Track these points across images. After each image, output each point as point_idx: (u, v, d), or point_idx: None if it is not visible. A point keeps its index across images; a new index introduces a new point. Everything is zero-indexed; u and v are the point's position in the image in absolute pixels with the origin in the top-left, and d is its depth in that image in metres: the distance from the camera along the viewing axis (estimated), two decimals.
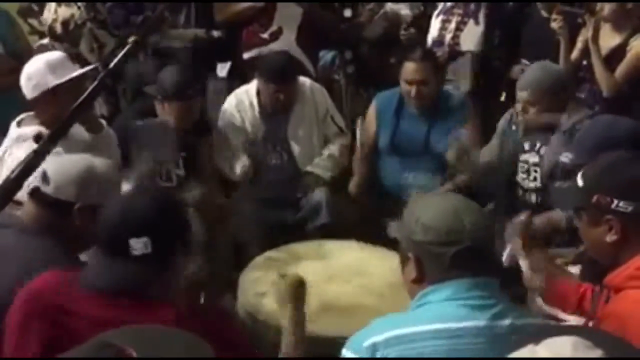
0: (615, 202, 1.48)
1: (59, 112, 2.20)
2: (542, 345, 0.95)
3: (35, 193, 1.75)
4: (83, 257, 1.83)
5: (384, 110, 3.08)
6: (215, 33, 3.52)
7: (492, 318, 1.34)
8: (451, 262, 1.36)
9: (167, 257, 1.47)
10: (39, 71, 2.30)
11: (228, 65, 3.62)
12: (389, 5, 3.59)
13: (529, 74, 2.72)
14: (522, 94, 2.66)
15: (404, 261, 1.44)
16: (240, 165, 3.04)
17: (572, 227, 2.46)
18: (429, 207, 1.42)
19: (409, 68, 2.94)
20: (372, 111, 3.14)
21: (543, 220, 2.57)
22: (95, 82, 1.79)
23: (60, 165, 1.75)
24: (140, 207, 1.48)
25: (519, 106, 2.68)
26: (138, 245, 1.43)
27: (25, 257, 1.68)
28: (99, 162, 1.84)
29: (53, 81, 2.27)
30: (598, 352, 0.94)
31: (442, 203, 1.43)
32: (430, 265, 1.39)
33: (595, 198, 1.51)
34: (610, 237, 1.51)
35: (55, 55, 2.41)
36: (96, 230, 1.50)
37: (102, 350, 0.95)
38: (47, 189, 1.73)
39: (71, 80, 2.28)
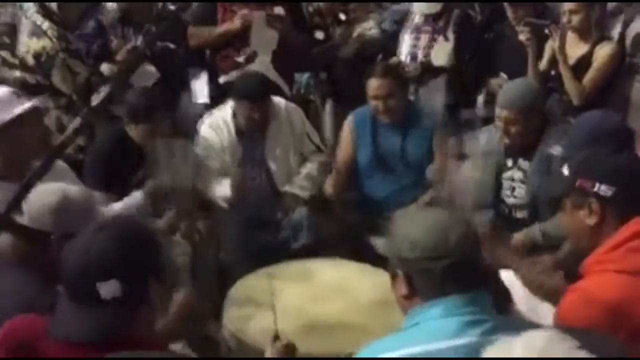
0: (597, 185, 1.56)
1: (5, 152, 2.15)
2: (517, 338, 0.97)
3: (10, 224, 1.69)
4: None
5: (360, 127, 3.12)
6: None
7: (485, 334, 1.34)
8: (441, 277, 1.37)
9: (141, 297, 1.35)
10: None
11: (205, 90, 3.63)
12: (362, 27, 3.64)
13: (508, 92, 2.73)
14: (501, 112, 2.68)
15: (393, 277, 1.44)
16: (227, 184, 3.00)
17: (549, 243, 2.53)
18: (415, 223, 1.43)
19: (372, 84, 2.99)
20: (347, 129, 3.17)
21: (521, 237, 2.61)
22: (78, 119, 1.76)
23: (34, 194, 1.69)
24: (103, 246, 1.34)
25: (499, 124, 2.71)
26: (106, 290, 1.31)
27: (0, 290, 1.64)
28: (73, 190, 1.83)
29: None
30: (573, 344, 0.96)
31: (428, 219, 1.44)
32: (420, 281, 1.39)
33: (578, 182, 1.59)
34: (590, 220, 1.57)
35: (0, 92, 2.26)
36: (61, 275, 1.38)
37: None
38: (22, 220, 1.71)
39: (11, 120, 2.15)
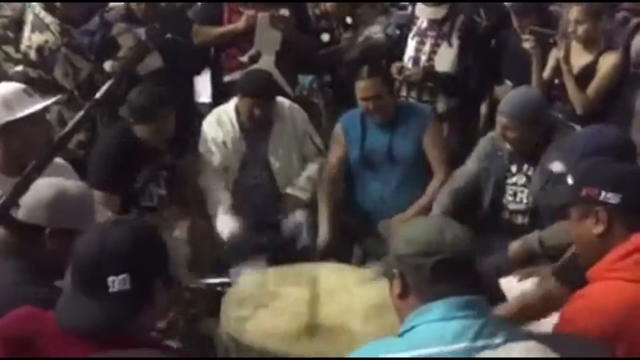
0: (603, 193, 1.55)
1: (11, 149, 2.16)
2: (502, 348, 0.97)
3: (4, 217, 1.69)
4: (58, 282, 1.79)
5: (351, 129, 3.12)
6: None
7: (483, 337, 1.33)
8: (432, 273, 1.37)
9: (147, 293, 1.39)
10: None
11: (208, 89, 3.63)
12: (368, 31, 3.64)
13: (509, 100, 2.72)
14: (501, 119, 2.68)
15: (391, 279, 1.45)
16: (229, 230, 2.96)
17: (546, 253, 2.53)
18: (413, 225, 1.47)
19: (360, 86, 3.00)
20: (338, 131, 3.17)
21: (518, 245, 2.60)
22: (82, 113, 1.75)
23: (30, 188, 1.69)
24: (120, 242, 1.38)
25: (499, 130, 2.71)
26: (117, 284, 1.35)
27: None
28: (70, 185, 1.82)
29: (5, 118, 2.16)
30: (551, 355, 0.95)
31: (426, 221, 1.49)
32: (412, 278, 1.40)
33: (584, 191, 1.58)
34: (596, 229, 1.56)
35: (11, 89, 2.27)
36: (71, 266, 1.41)
37: None
38: (17, 213, 1.70)
39: (26, 117, 2.16)
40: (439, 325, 1.34)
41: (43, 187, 1.74)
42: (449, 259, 1.37)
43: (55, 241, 1.71)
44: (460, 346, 1.32)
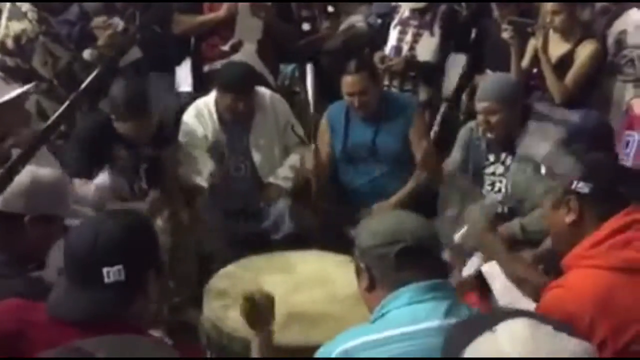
0: (575, 182, 1.58)
1: None
2: (500, 332, 0.98)
3: None
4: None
5: (335, 120, 3.13)
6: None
7: (454, 315, 1.39)
8: (396, 262, 1.43)
9: (141, 283, 1.41)
10: None
11: (189, 78, 3.61)
12: (349, 20, 3.64)
13: (488, 85, 2.78)
14: (481, 104, 2.71)
15: (358, 273, 1.50)
16: (208, 171, 3.01)
17: (528, 238, 2.56)
18: (377, 218, 1.58)
19: (346, 81, 2.99)
20: (324, 122, 3.17)
21: (500, 232, 2.64)
22: (67, 103, 1.74)
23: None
24: (114, 233, 1.39)
25: (480, 117, 2.73)
26: (111, 274, 1.37)
27: None
28: (44, 172, 1.82)
29: None
30: (548, 328, 0.98)
31: (388, 214, 1.59)
32: (378, 269, 1.45)
33: (556, 180, 1.61)
34: (569, 218, 1.59)
35: None
36: (65, 258, 1.42)
37: (70, 352, 0.94)
38: None
39: (3, 103, 2.17)
40: (410, 309, 1.40)
41: (18, 176, 1.72)
42: (410, 246, 1.43)
43: (35, 228, 1.72)
44: (433, 324, 1.38)
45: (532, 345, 0.96)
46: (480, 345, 0.99)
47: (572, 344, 0.97)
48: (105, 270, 1.36)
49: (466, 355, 0.99)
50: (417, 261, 1.43)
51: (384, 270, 1.44)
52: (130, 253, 1.39)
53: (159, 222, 2.79)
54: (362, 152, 3.08)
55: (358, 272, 1.50)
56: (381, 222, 1.50)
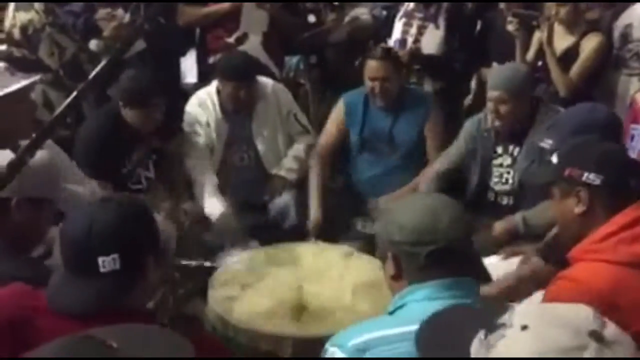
0: (586, 174, 1.58)
1: None
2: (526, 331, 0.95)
3: None
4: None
5: (353, 108, 3.12)
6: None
7: None
8: (426, 261, 1.39)
9: (137, 272, 1.38)
10: None
11: (194, 69, 3.60)
12: (354, 12, 3.63)
13: (499, 74, 2.79)
14: (493, 93, 2.71)
15: (383, 258, 1.47)
16: (218, 212, 2.96)
17: (530, 232, 2.56)
18: (407, 207, 1.46)
19: (371, 66, 3.01)
20: (340, 110, 3.16)
21: (502, 225, 2.64)
22: (74, 94, 1.74)
23: None
24: (108, 221, 1.36)
25: (490, 106, 2.72)
26: (107, 263, 1.34)
27: None
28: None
29: None
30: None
31: (419, 203, 1.46)
32: (407, 263, 1.42)
33: (567, 171, 1.61)
34: (578, 209, 1.59)
35: None
36: (60, 247, 1.41)
37: (83, 342, 0.93)
38: None
39: (8, 94, 2.14)
40: (426, 304, 1.36)
41: (2, 158, 1.71)
42: (443, 247, 1.38)
43: (23, 212, 1.70)
44: None
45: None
46: (503, 346, 0.95)
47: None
48: (100, 259, 1.34)
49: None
50: (447, 260, 1.38)
51: (413, 266, 1.40)
52: (125, 241, 1.36)
53: (161, 214, 2.80)
54: (379, 140, 3.08)
55: (383, 259, 1.46)
56: (414, 214, 1.40)
